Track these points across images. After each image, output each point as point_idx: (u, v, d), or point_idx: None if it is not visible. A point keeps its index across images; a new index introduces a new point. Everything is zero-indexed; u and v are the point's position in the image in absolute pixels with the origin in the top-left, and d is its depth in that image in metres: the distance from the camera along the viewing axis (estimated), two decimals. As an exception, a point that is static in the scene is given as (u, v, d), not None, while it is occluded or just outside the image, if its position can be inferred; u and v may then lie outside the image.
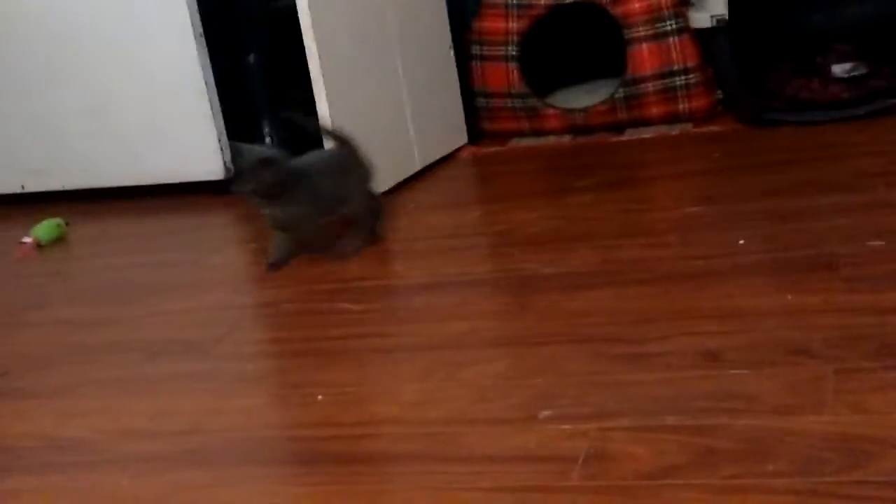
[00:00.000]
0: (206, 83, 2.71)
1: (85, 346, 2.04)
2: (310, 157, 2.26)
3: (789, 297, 1.72)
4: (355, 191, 2.24)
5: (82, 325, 2.10)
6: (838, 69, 2.66)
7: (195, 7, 2.67)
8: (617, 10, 2.75)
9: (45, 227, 2.66)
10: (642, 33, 2.74)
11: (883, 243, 1.84)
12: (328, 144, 2.38)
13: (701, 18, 2.61)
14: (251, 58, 2.82)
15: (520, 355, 1.72)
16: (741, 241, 1.97)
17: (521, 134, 2.89)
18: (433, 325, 1.88)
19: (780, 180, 2.24)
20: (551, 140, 2.84)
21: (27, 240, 2.63)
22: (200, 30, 2.69)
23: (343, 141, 2.26)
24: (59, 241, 2.67)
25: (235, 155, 2.17)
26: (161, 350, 1.95)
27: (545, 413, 1.50)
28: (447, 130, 2.82)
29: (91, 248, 2.63)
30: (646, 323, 1.73)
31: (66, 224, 2.70)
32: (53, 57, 2.81)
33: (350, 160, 2.25)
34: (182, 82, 2.71)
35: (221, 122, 2.75)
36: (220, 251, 2.47)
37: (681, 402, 1.47)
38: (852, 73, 2.64)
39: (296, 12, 2.41)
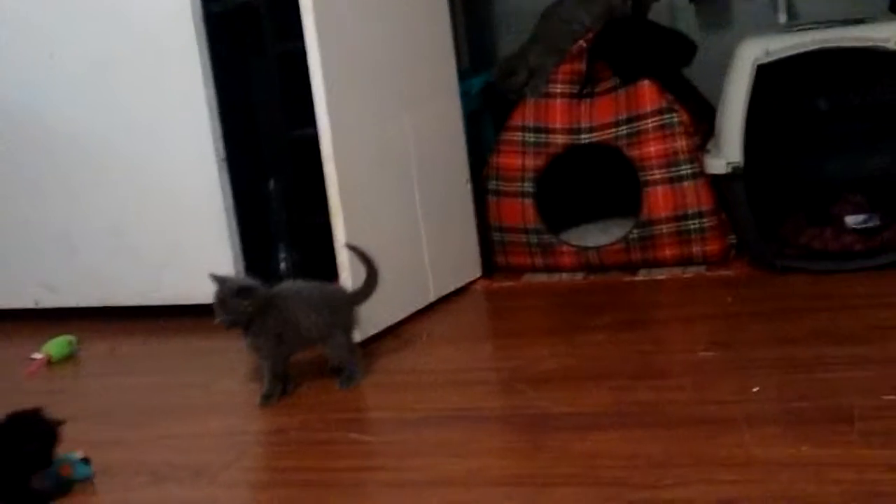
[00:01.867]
0: (225, 207, 2.74)
1: (93, 466, 2.02)
2: (290, 287, 2.31)
3: (804, 448, 1.71)
4: (333, 328, 2.27)
5: (88, 446, 2.07)
6: (851, 220, 2.68)
7: (219, 132, 2.72)
8: (633, 153, 2.79)
9: (57, 344, 2.67)
10: (658, 176, 2.77)
11: (898, 397, 1.84)
12: (346, 271, 2.41)
13: (717, 164, 2.65)
14: (271, 183, 2.86)
15: (531, 497, 1.71)
16: (755, 389, 1.96)
17: (534, 269, 2.91)
18: (443, 461, 1.87)
19: (793, 329, 2.24)
20: (565, 277, 2.85)
21: (38, 356, 2.63)
22: (223, 154, 2.73)
23: (368, 265, 2.31)
24: (70, 358, 2.67)
25: (215, 285, 2.21)
26: (168, 475, 1.93)
27: (558, 558, 1.48)
28: (462, 263, 2.84)
29: (101, 367, 2.63)
30: (660, 468, 1.72)
31: (78, 342, 2.70)
32: (76, 173, 2.85)
33: (335, 297, 2.31)
34: (202, 205, 2.74)
35: (238, 246, 2.77)
36: (231, 376, 2.46)
37: (696, 553, 1.45)
38: (865, 225, 2.66)
39: (317, 140, 2.46)
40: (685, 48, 3.06)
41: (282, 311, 2.24)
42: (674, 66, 3.08)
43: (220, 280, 2.22)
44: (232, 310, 2.20)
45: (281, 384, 2.26)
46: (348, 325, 2.32)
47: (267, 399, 2.24)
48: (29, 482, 1.92)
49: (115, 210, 2.83)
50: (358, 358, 2.32)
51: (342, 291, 2.37)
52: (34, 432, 1.92)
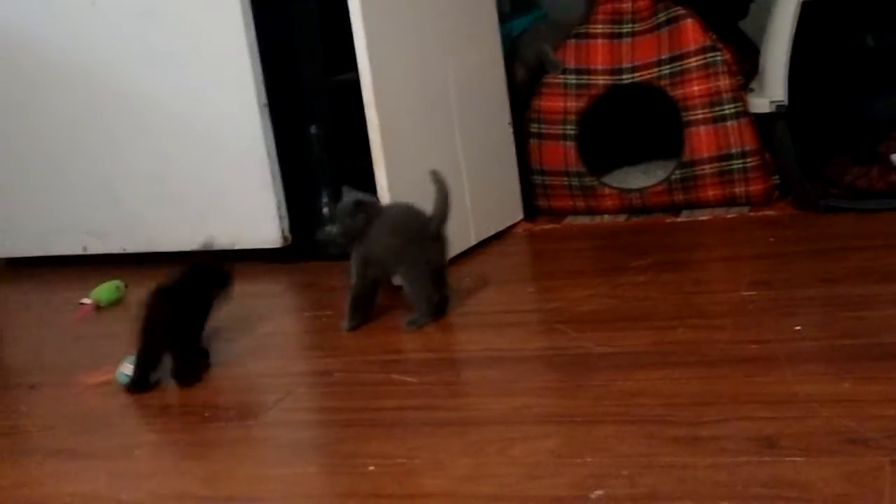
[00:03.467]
0: (267, 153, 2.75)
1: (140, 407, 2.07)
2: (392, 207, 2.32)
3: (846, 385, 1.71)
4: (406, 257, 2.24)
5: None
6: (897, 158, 2.65)
7: (260, 78, 2.73)
8: (676, 93, 2.77)
9: (105, 289, 2.71)
10: (700, 116, 2.75)
11: (942, 334, 1.83)
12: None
13: (760, 103, 2.62)
14: (312, 129, 2.86)
15: (572, 434, 1.72)
16: (797, 328, 1.96)
17: (576, 212, 2.90)
18: (485, 400, 1.89)
19: (837, 268, 2.22)
20: (607, 219, 2.85)
21: (87, 301, 2.68)
22: (265, 100, 2.74)
23: (439, 189, 2.26)
24: (118, 303, 2.71)
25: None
26: (215, 415, 1.97)
27: (597, 493, 1.49)
28: (503, 206, 2.84)
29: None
30: (700, 406, 1.72)
31: (126, 286, 2.74)
32: (118, 123, 2.87)
33: (412, 222, 2.25)
34: (244, 151, 2.76)
35: (281, 192, 2.79)
36: (276, 319, 2.49)
37: (735, 487, 1.46)
38: (911, 163, 2.63)
39: (358, 85, 2.46)
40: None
41: (369, 231, 2.23)
42: (729, 17, 3.04)
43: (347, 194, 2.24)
44: (342, 225, 2.21)
45: (362, 312, 2.27)
46: (423, 256, 2.23)
47: (348, 327, 2.25)
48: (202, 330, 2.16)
49: (157, 158, 2.85)
50: (428, 298, 2.24)
51: (422, 217, 2.25)
52: (216, 278, 2.15)
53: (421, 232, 2.25)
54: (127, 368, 2.11)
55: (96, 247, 2.99)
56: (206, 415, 1.97)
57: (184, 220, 2.85)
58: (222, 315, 2.55)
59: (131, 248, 2.95)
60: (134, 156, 2.88)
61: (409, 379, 2.02)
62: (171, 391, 2.10)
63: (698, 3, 2.86)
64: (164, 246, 2.89)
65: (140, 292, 2.73)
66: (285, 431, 1.90)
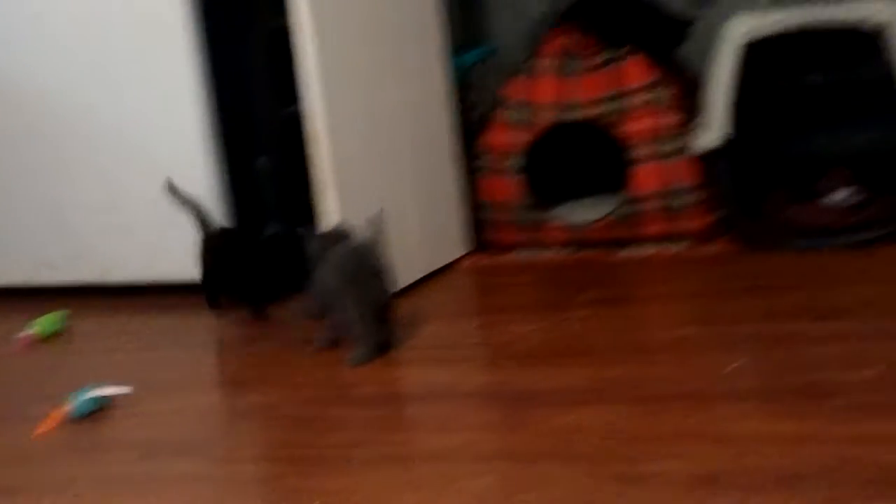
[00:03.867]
0: (216, 184, 2.76)
1: (81, 441, 2.05)
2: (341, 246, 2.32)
3: (781, 423, 1.74)
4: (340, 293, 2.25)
5: (79, 421, 2.11)
6: (836, 196, 2.71)
7: (210, 108, 2.74)
8: (621, 130, 2.81)
9: (48, 320, 2.69)
10: (645, 153, 2.79)
11: (875, 373, 1.86)
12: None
13: (703, 141, 2.67)
14: (261, 160, 2.88)
15: (514, 470, 1.73)
16: (735, 365, 1.99)
17: (522, 246, 2.93)
18: (429, 436, 1.90)
19: (775, 305, 2.27)
20: (552, 253, 2.88)
21: (28, 332, 2.66)
22: (214, 131, 2.75)
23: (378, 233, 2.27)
24: (61, 334, 2.69)
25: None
26: (158, 449, 1.96)
27: (537, 531, 1.51)
28: (450, 239, 2.87)
29: (91, 343, 2.65)
30: (641, 442, 1.74)
31: (69, 318, 2.73)
32: (67, 148, 2.87)
33: (350, 256, 2.27)
34: (193, 182, 2.75)
35: (229, 223, 2.79)
36: (221, 351, 2.49)
37: (672, 525, 1.48)
38: (849, 201, 2.69)
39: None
40: (676, 27, 3.07)
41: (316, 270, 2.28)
42: (663, 45, 3.09)
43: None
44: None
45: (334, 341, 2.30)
46: (364, 294, 2.24)
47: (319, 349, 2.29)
48: None
49: (108, 187, 2.85)
50: (369, 335, 2.24)
51: (362, 256, 2.26)
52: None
53: (361, 270, 2.26)
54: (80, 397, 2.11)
55: (42, 277, 2.97)
56: (148, 450, 1.96)
57: (132, 252, 2.84)
58: (168, 346, 2.55)
59: (79, 278, 2.94)
60: (84, 185, 2.87)
61: (353, 413, 2.03)
62: (113, 426, 2.09)
63: (636, 32, 2.90)
64: (111, 277, 2.89)
65: (85, 324, 2.74)
66: (228, 466, 1.90)
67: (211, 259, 2.64)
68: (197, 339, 2.63)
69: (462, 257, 2.89)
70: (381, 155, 2.64)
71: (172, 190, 2.66)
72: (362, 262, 2.26)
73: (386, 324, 2.29)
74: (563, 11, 2.92)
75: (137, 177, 2.82)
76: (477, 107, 2.99)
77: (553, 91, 2.88)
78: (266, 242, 2.71)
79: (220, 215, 2.77)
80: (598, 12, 2.93)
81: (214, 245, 2.65)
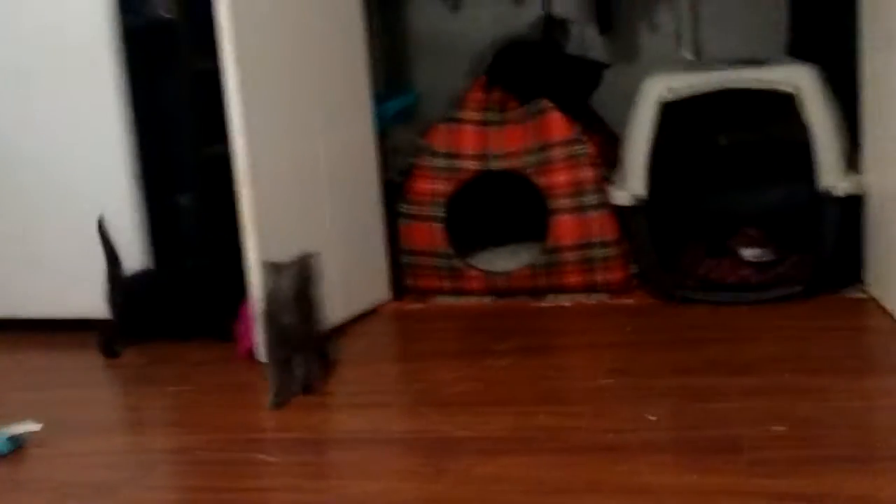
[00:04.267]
0: (136, 221, 2.75)
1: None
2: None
3: (695, 477, 1.78)
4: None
5: (-7, 461, 2.08)
6: (748, 253, 2.78)
7: (131, 146, 2.73)
8: (541, 181, 2.86)
9: (-42, 356, 2.64)
10: (565, 205, 2.84)
11: (786, 429, 1.92)
12: (256, 288, 2.43)
13: (621, 196, 2.73)
14: (182, 199, 2.87)
15: (433, 520, 1.75)
16: (651, 417, 2.03)
17: (443, 292, 2.96)
18: (348, 483, 1.91)
19: (689, 358, 2.32)
20: (473, 300, 2.91)
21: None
22: (135, 169, 2.74)
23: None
24: (-28, 370, 2.64)
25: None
26: (71, 492, 1.93)
27: (457, 582, 1.52)
28: (371, 284, 2.88)
29: (4, 381, 2.61)
30: (558, 493, 1.78)
31: (-19, 353, 2.68)
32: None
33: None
34: (113, 219, 2.73)
35: (149, 259, 2.78)
36: (137, 392, 2.47)
37: (590, 578, 1.50)
38: (761, 258, 2.77)
39: (227, 158, 2.47)
40: (591, 71, 3.14)
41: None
42: (580, 90, 3.16)
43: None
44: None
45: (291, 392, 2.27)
46: (277, 337, 2.26)
47: (278, 404, 2.25)
48: None
49: (23, 221, 2.81)
50: (276, 378, 2.26)
51: (281, 301, 2.26)
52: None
53: (277, 314, 2.26)
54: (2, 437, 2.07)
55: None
56: (64, 491, 1.93)
57: (47, 286, 2.81)
58: (82, 385, 2.52)
59: (-9, 313, 2.89)
60: (1, 219, 2.83)
61: (271, 459, 2.03)
62: (29, 466, 2.06)
63: (553, 83, 2.96)
64: (24, 312, 2.84)
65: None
66: (145, 511, 1.88)
67: (120, 304, 2.65)
68: (113, 377, 2.60)
69: (384, 302, 2.90)
70: (304, 197, 2.65)
71: (101, 228, 2.65)
72: (279, 307, 2.26)
73: (301, 367, 2.28)
74: (484, 69, 2.97)
75: (54, 212, 2.79)
76: (399, 154, 3.01)
77: (476, 141, 2.93)
78: (183, 277, 2.72)
79: (141, 251, 2.76)
80: (515, 69, 2.98)
81: (123, 289, 2.67)
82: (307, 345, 2.29)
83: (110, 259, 2.67)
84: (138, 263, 2.76)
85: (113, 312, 2.67)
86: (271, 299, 2.25)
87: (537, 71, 3.01)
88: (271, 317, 2.25)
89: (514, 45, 3.04)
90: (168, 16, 2.75)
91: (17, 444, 2.11)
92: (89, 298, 2.75)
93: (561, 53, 3.16)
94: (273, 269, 2.27)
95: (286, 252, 2.45)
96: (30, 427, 2.14)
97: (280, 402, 2.24)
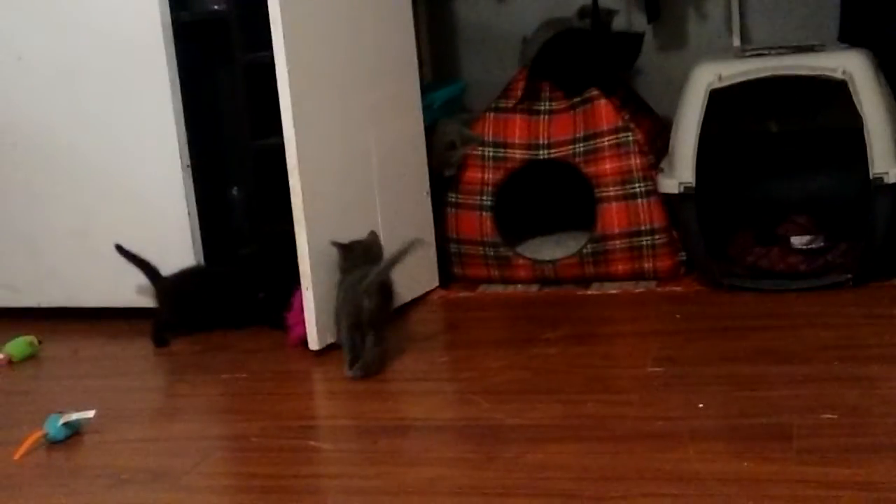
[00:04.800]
0: (189, 212, 2.79)
1: (53, 468, 2.07)
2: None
3: (745, 464, 1.79)
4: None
5: (50, 447, 2.13)
6: (797, 241, 2.78)
7: (184, 139, 2.78)
8: (589, 170, 2.87)
9: (18, 345, 2.69)
10: (612, 193, 2.85)
11: (835, 416, 1.92)
12: (307, 279, 2.47)
13: (669, 184, 2.73)
14: (234, 191, 2.91)
15: (483, 506, 1.77)
16: (700, 405, 2.04)
17: (490, 281, 2.98)
18: (399, 470, 1.93)
19: (738, 347, 2.33)
20: (520, 289, 2.93)
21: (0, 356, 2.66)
22: (188, 161, 2.78)
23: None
24: (31, 358, 2.70)
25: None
26: (129, 478, 1.98)
27: (508, 567, 1.54)
28: (420, 273, 2.90)
29: (63, 369, 2.66)
30: (606, 481, 1.79)
31: (39, 342, 2.74)
32: (41, 176, 2.89)
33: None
34: (166, 210, 2.79)
35: (201, 251, 2.83)
36: (192, 380, 2.51)
37: (639, 564, 1.52)
38: (810, 246, 2.76)
39: (280, 150, 2.51)
40: (629, 44, 3.13)
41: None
42: (619, 66, 3.15)
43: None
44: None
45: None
46: (351, 311, 2.36)
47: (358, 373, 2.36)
48: None
49: (80, 213, 2.87)
50: (349, 350, 2.35)
51: (361, 275, 2.40)
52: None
53: (354, 288, 2.35)
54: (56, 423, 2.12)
55: (11, 300, 2.98)
56: (122, 477, 1.98)
57: (102, 277, 2.86)
58: (139, 373, 2.57)
59: (47, 302, 2.95)
60: (56, 211, 2.89)
61: (325, 446, 2.06)
62: (87, 452, 2.11)
63: (597, 69, 2.97)
64: (81, 301, 2.90)
65: (55, 348, 2.75)
66: (202, 497, 1.92)
67: (165, 304, 2.75)
68: (167, 365, 2.65)
69: (432, 291, 2.92)
70: (354, 187, 2.68)
71: (121, 250, 2.74)
72: (357, 280, 2.36)
73: (368, 345, 2.35)
74: (529, 63, 2.98)
75: (109, 204, 2.85)
76: (448, 148, 3.02)
77: (524, 130, 2.94)
78: (230, 273, 2.79)
79: (193, 243, 2.80)
80: (561, 62, 2.98)
81: (168, 290, 2.76)
82: (382, 326, 2.38)
83: (144, 269, 2.75)
84: (192, 255, 2.80)
85: (160, 307, 2.74)
86: (351, 283, 2.37)
87: (582, 62, 3.01)
88: (351, 299, 2.36)
89: (558, 37, 3.04)
90: (220, 9, 2.78)
91: (73, 431, 2.16)
92: (144, 288, 2.81)
93: (600, 36, 3.14)
94: (343, 249, 2.43)
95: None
96: (85, 414, 2.18)
97: (356, 372, 2.33)
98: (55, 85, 2.81)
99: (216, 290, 2.77)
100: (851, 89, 2.59)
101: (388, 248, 2.52)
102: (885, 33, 2.84)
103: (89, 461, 2.09)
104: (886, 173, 2.57)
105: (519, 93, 2.95)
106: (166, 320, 2.73)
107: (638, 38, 3.16)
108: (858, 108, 2.58)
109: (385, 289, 2.41)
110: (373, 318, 2.35)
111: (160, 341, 2.71)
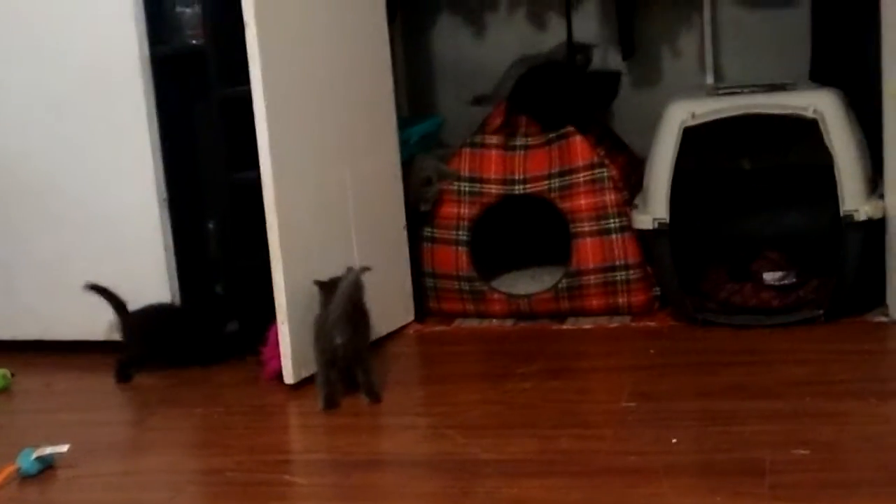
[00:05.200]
0: (165, 246, 2.80)
1: (26, 503, 2.05)
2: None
3: (718, 499, 1.80)
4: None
5: (23, 482, 2.12)
6: (769, 276, 2.80)
7: (161, 173, 2.78)
8: (564, 205, 2.89)
9: (-10, 378, 2.68)
10: (587, 228, 2.87)
11: (808, 452, 1.94)
12: (283, 314, 2.47)
13: (643, 220, 2.76)
14: (210, 225, 2.91)
15: (458, 541, 1.77)
16: (674, 440, 2.05)
17: (466, 315, 2.99)
18: (373, 505, 1.94)
19: (711, 382, 2.34)
20: (495, 323, 2.94)
21: (-30, 390, 2.65)
22: (165, 194, 2.79)
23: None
24: (4, 392, 2.68)
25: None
26: (103, 513, 1.97)
27: None
28: (395, 307, 2.91)
29: (36, 402, 2.65)
30: (582, 517, 1.80)
31: (12, 375, 2.72)
32: (16, 208, 2.89)
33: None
34: (142, 243, 2.79)
35: (176, 284, 2.82)
36: (166, 413, 2.50)
37: None
38: (782, 282, 2.78)
39: (256, 184, 2.51)
40: (607, 83, 3.17)
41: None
42: (596, 105, 3.18)
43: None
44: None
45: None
46: (322, 347, 2.40)
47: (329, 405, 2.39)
48: None
49: (56, 245, 2.86)
50: (322, 384, 2.40)
51: (326, 311, 2.43)
52: None
53: (322, 324, 2.39)
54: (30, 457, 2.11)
55: (-15, 334, 2.96)
56: (95, 513, 1.97)
57: (76, 311, 2.85)
58: (113, 407, 2.56)
59: (21, 335, 2.93)
60: (31, 243, 2.89)
61: (299, 480, 2.06)
62: (60, 487, 2.10)
63: (573, 100, 2.99)
64: (54, 335, 2.89)
65: (28, 381, 2.73)
66: (175, 531, 1.92)
67: (131, 340, 2.74)
68: (142, 400, 2.64)
69: (407, 325, 2.93)
70: (331, 222, 2.69)
71: (91, 286, 2.73)
72: (323, 317, 2.39)
73: (346, 374, 2.39)
74: (506, 96, 3.01)
75: (86, 238, 2.84)
76: (424, 183, 3.04)
77: (500, 165, 2.96)
78: (201, 307, 2.82)
79: (169, 276, 2.80)
80: (537, 96, 3.01)
81: (133, 325, 2.75)
82: (362, 356, 2.41)
83: (112, 303, 2.74)
84: (168, 288, 2.80)
85: (126, 342, 2.75)
86: (323, 319, 2.40)
87: (559, 97, 3.04)
88: (323, 335, 2.38)
89: (534, 71, 3.08)
90: (198, 43, 2.79)
91: (47, 465, 2.15)
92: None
93: (578, 73, 3.18)
94: (324, 287, 2.43)
95: (311, 276, 2.50)
96: (59, 448, 2.17)
97: (329, 405, 2.36)
98: (33, 117, 2.82)
99: (182, 327, 2.77)
100: (822, 128, 2.63)
101: (367, 282, 2.53)
102: (854, 71, 2.88)
103: (63, 496, 2.07)
104: (857, 210, 2.61)
105: (498, 121, 2.97)
106: (131, 356, 2.72)
107: (615, 76, 3.20)
108: (829, 146, 2.62)
109: (358, 321, 2.41)
110: (347, 353, 2.36)
111: (123, 377, 2.70)
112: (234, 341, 2.75)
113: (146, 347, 2.74)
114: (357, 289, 2.43)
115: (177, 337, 2.77)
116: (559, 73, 3.15)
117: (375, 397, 2.38)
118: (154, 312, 2.78)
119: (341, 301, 2.38)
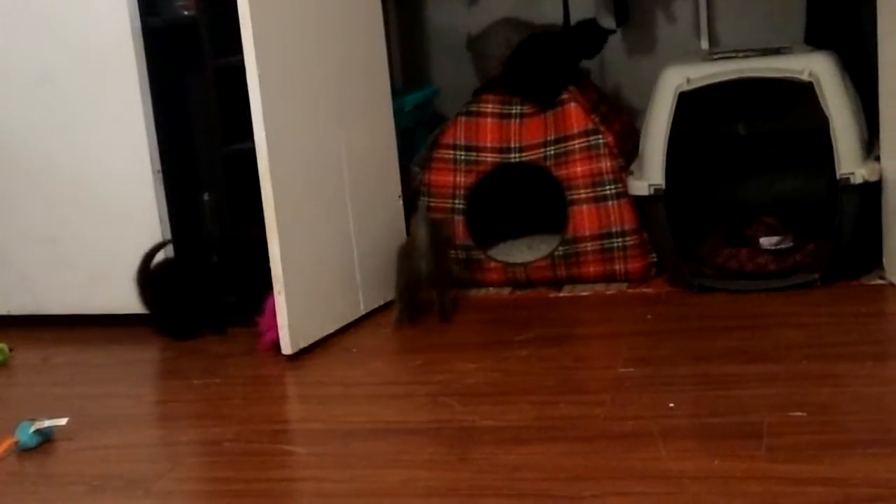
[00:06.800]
0: (160, 219, 2.79)
1: (25, 476, 2.06)
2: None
3: (716, 462, 1.81)
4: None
5: (22, 455, 2.12)
6: (765, 241, 2.80)
7: (155, 145, 2.77)
8: (560, 173, 2.89)
9: (-13, 352, 2.69)
10: (583, 195, 2.87)
11: (805, 414, 1.94)
12: (279, 283, 2.47)
13: (639, 186, 2.75)
14: (205, 196, 2.91)
15: (457, 507, 1.78)
16: (671, 405, 2.06)
17: (462, 284, 2.99)
18: (373, 472, 1.94)
19: (708, 346, 2.34)
20: (492, 292, 2.94)
21: (-32, 364, 2.65)
22: (159, 166, 2.78)
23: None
24: (2, 366, 2.69)
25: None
26: (102, 485, 1.98)
27: (481, 567, 1.55)
28: (392, 277, 2.90)
29: (33, 376, 2.65)
30: (579, 481, 1.80)
31: (10, 350, 2.72)
32: (11, 183, 2.88)
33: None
34: (137, 216, 2.79)
35: (172, 256, 2.82)
36: (164, 386, 2.51)
37: (611, 562, 1.53)
38: (778, 246, 2.78)
39: (251, 155, 2.51)
40: (592, 33, 3.11)
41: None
42: (583, 56, 3.11)
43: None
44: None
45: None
46: (404, 269, 2.72)
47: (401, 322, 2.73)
48: None
49: (51, 220, 2.86)
50: (398, 301, 2.72)
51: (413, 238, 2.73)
52: None
53: (407, 248, 2.71)
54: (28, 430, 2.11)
55: (-17, 308, 2.96)
56: (95, 484, 1.97)
57: (72, 284, 2.85)
58: (110, 380, 2.56)
59: (17, 310, 2.93)
60: (26, 217, 2.88)
61: (298, 450, 2.07)
62: (59, 459, 2.10)
63: (566, 71, 2.98)
64: (52, 309, 2.89)
65: (25, 355, 2.74)
66: (175, 502, 1.92)
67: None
68: (139, 372, 2.64)
69: (404, 295, 2.93)
70: (326, 191, 2.68)
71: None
72: (409, 242, 2.72)
73: (445, 296, 2.71)
74: (496, 76, 2.99)
75: (80, 211, 2.84)
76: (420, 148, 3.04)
77: (495, 134, 2.95)
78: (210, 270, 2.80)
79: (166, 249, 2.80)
80: (531, 75, 2.98)
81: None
82: (442, 283, 2.70)
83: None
84: (160, 259, 2.81)
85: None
86: (410, 247, 2.71)
87: (551, 68, 3.00)
88: (410, 261, 2.69)
89: (528, 46, 3.02)
90: (190, 14, 2.78)
91: (45, 438, 2.16)
92: (115, 295, 2.80)
93: (563, 33, 3.12)
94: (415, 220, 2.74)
95: (306, 246, 2.50)
96: (57, 421, 2.17)
97: (402, 322, 2.69)
98: (25, 91, 2.80)
99: (180, 296, 2.78)
100: (817, 91, 2.62)
101: (361, 249, 2.54)
102: (849, 35, 2.87)
103: (62, 468, 2.08)
104: (853, 174, 2.60)
105: (491, 97, 2.96)
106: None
107: (599, 27, 3.12)
108: (825, 109, 2.61)
109: (442, 252, 2.73)
110: (431, 276, 2.66)
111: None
112: (233, 310, 2.74)
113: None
114: (441, 227, 2.76)
115: (175, 305, 2.76)
116: (547, 43, 3.10)
117: (446, 317, 2.69)
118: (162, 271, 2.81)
119: (426, 234, 2.66)
